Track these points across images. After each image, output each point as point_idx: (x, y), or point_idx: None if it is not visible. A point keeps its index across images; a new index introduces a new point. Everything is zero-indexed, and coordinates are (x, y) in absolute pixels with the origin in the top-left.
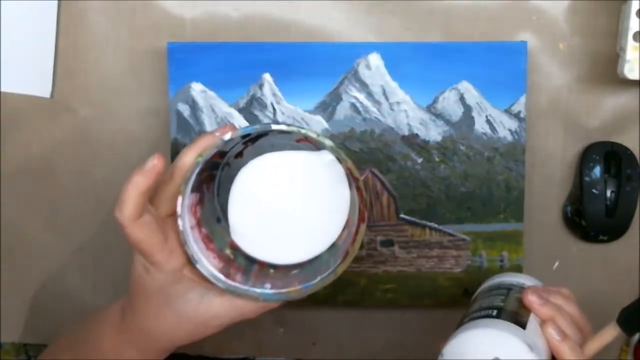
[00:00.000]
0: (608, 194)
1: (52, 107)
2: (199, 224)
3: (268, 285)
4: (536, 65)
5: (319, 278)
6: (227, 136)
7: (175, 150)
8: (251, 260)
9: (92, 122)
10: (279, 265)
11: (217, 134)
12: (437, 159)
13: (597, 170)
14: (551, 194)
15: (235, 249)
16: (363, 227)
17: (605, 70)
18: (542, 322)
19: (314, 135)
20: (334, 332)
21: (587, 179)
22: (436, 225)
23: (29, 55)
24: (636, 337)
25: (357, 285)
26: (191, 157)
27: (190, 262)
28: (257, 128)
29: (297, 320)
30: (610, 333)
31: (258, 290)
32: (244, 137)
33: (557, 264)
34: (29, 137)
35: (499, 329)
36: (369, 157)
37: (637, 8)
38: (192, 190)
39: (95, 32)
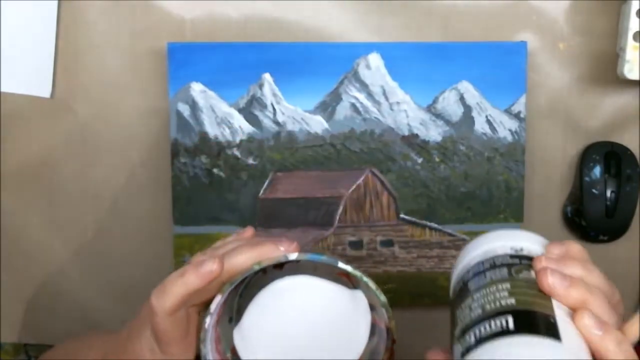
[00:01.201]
0: (608, 194)
1: (52, 107)
2: (218, 322)
3: None
4: (536, 65)
5: None
6: (293, 256)
7: (175, 150)
8: None
9: (92, 122)
10: None
11: (282, 247)
12: (437, 159)
13: (597, 170)
14: (551, 194)
15: (235, 353)
16: None
17: (605, 70)
18: (574, 313)
19: (372, 286)
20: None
21: (587, 179)
22: (436, 225)
23: (29, 55)
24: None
25: None
26: (247, 260)
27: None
28: (323, 260)
29: None
30: None
31: None
32: None
33: None
34: (29, 137)
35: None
36: (369, 157)
37: (637, 8)
38: None
39: (95, 32)
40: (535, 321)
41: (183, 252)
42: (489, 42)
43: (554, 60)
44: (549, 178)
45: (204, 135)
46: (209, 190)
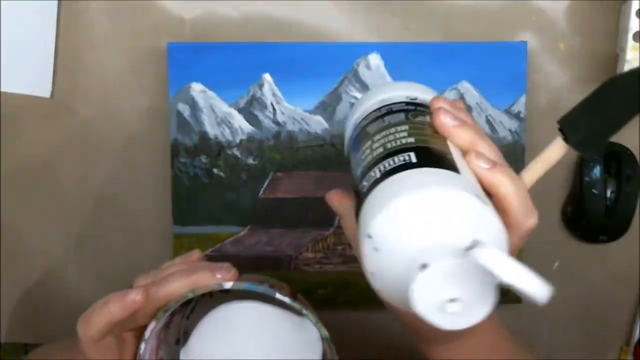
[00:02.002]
0: (608, 194)
1: (52, 107)
2: (159, 345)
3: None
4: (536, 65)
5: None
6: (228, 285)
7: (175, 150)
8: None
9: (92, 122)
10: None
11: (218, 275)
12: None
13: (597, 170)
14: (551, 194)
15: None
16: None
17: (605, 70)
18: (464, 151)
19: (312, 320)
20: (334, 332)
21: (587, 179)
22: None
23: (29, 55)
24: (636, 336)
25: (357, 286)
26: (181, 287)
27: None
28: (260, 289)
29: None
30: (555, 150)
31: None
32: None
33: (557, 264)
34: (29, 137)
35: (439, 184)
36: None
37: (637, 8)
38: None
39: (95, 32)
40: (434, 156)
41: (183, 251)
42: (489, 42)
43: (554, 60)
44: (549, 178)
45: (204, 135)
46: (209, 190)
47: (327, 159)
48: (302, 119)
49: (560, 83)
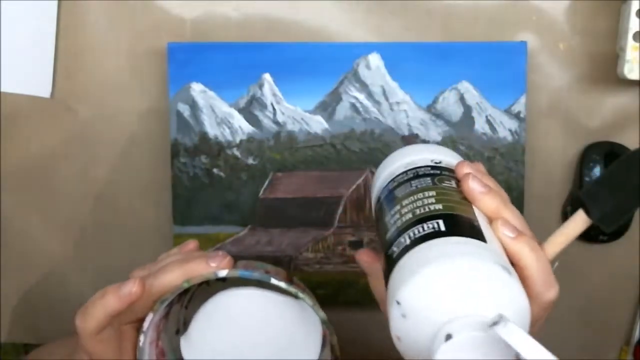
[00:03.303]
0: None
1: (52, 107)
2: (158, 337)
3: None
4: (536, 65)
5: None
6: (222, 273)
7: (175, 150)
8: None
9: (92, 122)
10: None
11: (213, 264)
12: None
13: (597, 170)
14: (551, 194)
15: None
16: None
17: (605, 70)
18: (490, 219)
19: (309, 302)
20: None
21: (587, 179)
22: None
23: (29, 55)
24: (636, 336)
25: (357, 285)
26: (176, 279)
27: None
28: (254, 276)
29: None
30: (577, 224)
31: None
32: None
33: (557, 264)
34: (29, 137)
35: (467, 255)
36: (369, 157)
37: (637, 8)
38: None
39: (95, 32)
40: (462, 224)
41: None
42: (489, 42)
43: (554, 60)
44: (549, 178)
45: (204, 135)
46: (209, 190)
47: (327, 159)
48: (302, 119)
49: (560, 83)
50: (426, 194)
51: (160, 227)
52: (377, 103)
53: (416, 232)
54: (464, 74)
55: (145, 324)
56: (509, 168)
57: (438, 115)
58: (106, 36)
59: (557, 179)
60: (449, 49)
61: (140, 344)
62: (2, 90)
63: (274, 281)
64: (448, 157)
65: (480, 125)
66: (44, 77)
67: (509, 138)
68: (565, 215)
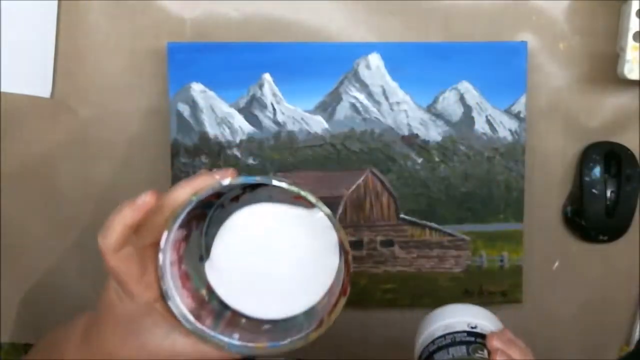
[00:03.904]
0: (608, 194)
1: (52, 107)
2: (180, 260)
3: (236, 336)
4: (536, 65)
5: (288, 340)
6: (226, 182)
7: (175, 150)
8: (225, 306)
9: (92, 122)
10: (252, 317)
11: (217, 177)
12: (437, 159)
13: (597, 170)
14: (551, 194)
15: (211, 291)
16: (343, 300)
17: (605, 70)
18: None
19: (312, 199)
20: (334, 332)
21: (587, 179)
22: (436, 226)
23: (29, 55)
24: (636, 337)
25: (357, 285)
26: (186, 194)
27: (163, 297)
28: (257, 179)
29: None
30: None
31: (225, 338)
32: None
33: (557, 264)
34: (29, 137)
35: None
36: (369, 157)
37: (637, 8)
38: (181, 226)
39: (95, 32)
40: None
41: None
42: (489, 42)
43: (554, 60)
44: (549, 178)
45: (204, 135)
46: None
47: (327, 159)
48: (302, 119)
49: (560, 83)
50: None
51: None
52: (377, 103)
53: None
54: (464, 74)
55: (162, 242)
56: (509, 168)
57: (438, 115)
58: (106, 36)
59: (557, 179)
60: (449, 49)
61: (160, 262)
62: (2, 90)
63: (275, 182)
64: (483, 320)
65: (480, 125)
66: (44, 77)
67: (509, 138)
68: (566, 215)
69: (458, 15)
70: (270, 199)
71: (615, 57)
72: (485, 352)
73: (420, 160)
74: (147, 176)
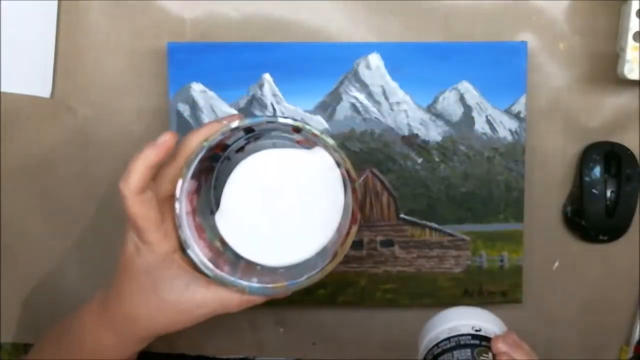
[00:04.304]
0: (608, 194)
1: (52, 107)
2: (194, 212)
3: (255, 280)
4: (536, 65)
5: (305, 277)
6: (234, 124)
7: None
8: (239, 257)
9: (92, 122)
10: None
11: (225, 122)
12: (437, 159)
13: (597, 170)
14: (551, 194)
15: (224, 243)
16: (355, 228)
17: (605, 70)
18: None
19: (317, 132)
20: (334, 332)
21: (587, 179)
22: (436, 225)
23: (29, 55)
24: (636, 336)
25: (357, 285)
26: (196, 141)
27: (182, 247)
28: (263, 119)
29: (297, 320)
30: None
31: (245, 282)
32: (247, 131)
33: (557, 264)
34: (29, 137)
35: None
36: (369, 157)
37: (637, 8)
38: (192, 177)
39: (95, 32)
40: None
41: None
42: (489, 42)
43: (554, 60)
44: (549, 178)
45: None
46: None
47: None
48: (302, 119)
49: (560, 83)
50: None
51: None
52: (377, 103)
53: None
54: (464, 74)
55: (177, 190)
56: (509, 168)
57: (438, 115)
58: (106, 36)
59: (557, 179)
60: (449, 49)
61: (177, 210)
62: (2, 90)
63: (280, 119)
64: (487, 324)
65: (480, 125)
66: (44, 77)
67: (509, 138)
68: (566, 216)
69: (458, 15)
70: (274, 146)
71: (615, 57)
72: (490, 355)
73: (420, 160)
74: None
